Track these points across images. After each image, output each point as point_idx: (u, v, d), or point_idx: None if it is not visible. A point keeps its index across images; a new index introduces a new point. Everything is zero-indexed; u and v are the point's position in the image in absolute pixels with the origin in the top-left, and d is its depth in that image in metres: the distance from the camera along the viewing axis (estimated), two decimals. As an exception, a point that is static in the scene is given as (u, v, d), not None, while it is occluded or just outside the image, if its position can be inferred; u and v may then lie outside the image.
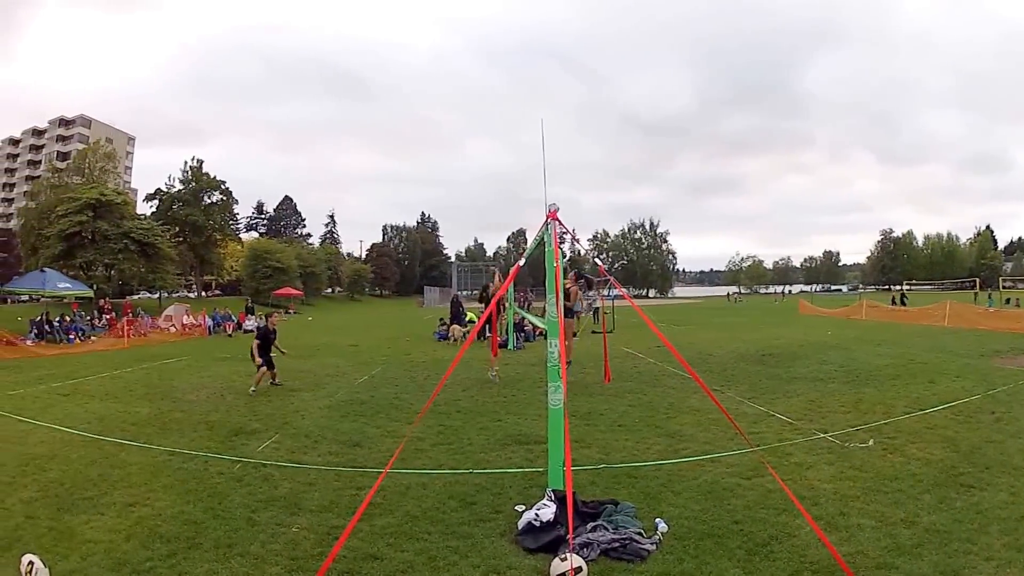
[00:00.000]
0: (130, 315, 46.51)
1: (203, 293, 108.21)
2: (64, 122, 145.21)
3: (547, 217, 9.17)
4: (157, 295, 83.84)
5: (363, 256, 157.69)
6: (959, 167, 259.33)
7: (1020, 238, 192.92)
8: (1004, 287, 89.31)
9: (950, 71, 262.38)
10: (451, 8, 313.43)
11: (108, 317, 47.04)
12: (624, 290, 13.43)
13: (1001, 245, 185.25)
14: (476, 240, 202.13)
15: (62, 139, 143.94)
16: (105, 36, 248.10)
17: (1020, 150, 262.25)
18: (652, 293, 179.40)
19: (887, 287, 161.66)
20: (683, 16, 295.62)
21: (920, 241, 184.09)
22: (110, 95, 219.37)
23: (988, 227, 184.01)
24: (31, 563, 6.82)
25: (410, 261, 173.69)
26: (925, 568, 6.67)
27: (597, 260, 20.57)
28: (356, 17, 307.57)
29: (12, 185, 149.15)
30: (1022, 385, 16.68)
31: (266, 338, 19.79)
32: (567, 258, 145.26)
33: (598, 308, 43.55)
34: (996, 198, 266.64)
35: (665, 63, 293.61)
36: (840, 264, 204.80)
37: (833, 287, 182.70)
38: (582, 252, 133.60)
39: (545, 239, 9.49)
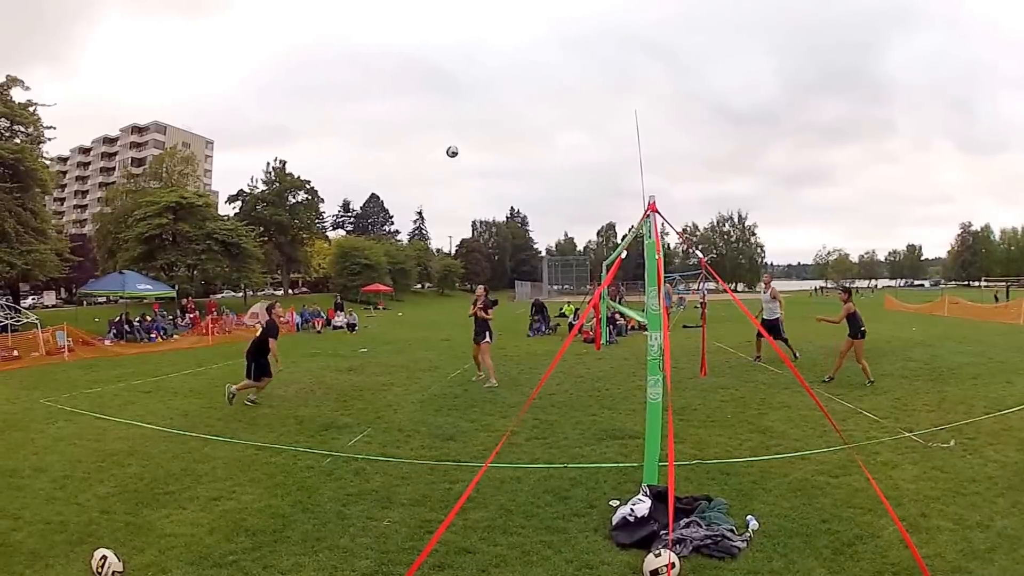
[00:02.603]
0: (214, 313, 46.90)
1: (290, 291, 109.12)
2: (137, 129, 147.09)
3: (647, 209, 9.12)
4: (242, 294, 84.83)
5: (452, 252, 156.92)
6: None
7: None
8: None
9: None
10: None
11: (192, 316, 47.17)
12: (725, 284, 13.43)
13: None
14: (566, 234, 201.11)
15: (136, 146, 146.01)
16: (180, 43, 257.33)
17: None
18: (741, 287, 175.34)
19: (967, 283, 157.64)
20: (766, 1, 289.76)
21: (997, 235, 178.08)
22: (186, 102, 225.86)
23: None
24: (104, 557, 6.78)
25: (500, 256, 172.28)
26: (995, 573, 6.63)
27: (698, 252, 20.17)
28: (440, 10, 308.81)
29: (85, 192, 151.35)
30: (1096, 386, 16.19)
31: (266, 338, 16.90)
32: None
33: (704, 302, 43.49)
34: None
35: (751, 50, 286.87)
36: (923, 258, 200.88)
37: (915, 282, 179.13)
38: (672, 245, 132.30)
39: (644, 232, 9.39)
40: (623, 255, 11.77)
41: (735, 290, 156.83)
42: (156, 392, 18.76)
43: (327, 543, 7.61)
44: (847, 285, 20.02)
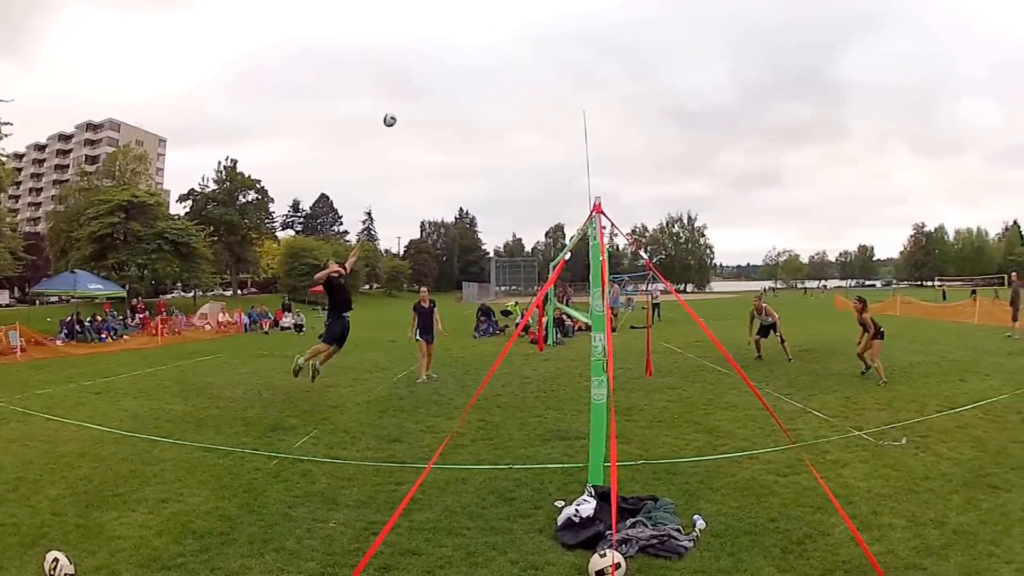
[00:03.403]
0: (164, 314, 47.30)
1: (239, 291, 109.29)
2: (92, 126, 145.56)
3: (592, 211, 9.17)
4: (191, 294, 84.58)
5: (401, 253, 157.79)
6: (993, 159, 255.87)
7: None
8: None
9: (986, 59, 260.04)
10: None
11: (141, 316, 47.26)
12: (671, 285, 13.51)
13: None
14: (514, 235, 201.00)
15: (90, 143, 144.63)
16: (134, 39, 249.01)
17: None
18: (690, 288, 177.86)
19: (919, 283, 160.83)
20: (726, 4, 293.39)
21: (951, 236, 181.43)
22: (140, 100, 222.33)
23: (1015, 222, 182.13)
24: (56, 560, 6.82)
25: (448, 257, 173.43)
26: (951, 570, 6.69)
27: (643, 253, 20.87)
28: (398, 9, 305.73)
29: (39, 190, 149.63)
30: (1051, 384, 16.52)
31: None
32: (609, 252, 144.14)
33: (658, 304, 43.74)
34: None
35: (707, 52, 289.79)
36: (874, 259, 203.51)
37: (867, 282, 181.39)
38: (620, 247, 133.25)
39: (590, 233, 9.44)
40: (567, 257, 11.77)
41: (684, 291, 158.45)
42: (106, 393, 18.85)
43: (273, 545, 7.65)
44: (862, 296, 20.31)
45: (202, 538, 7.83)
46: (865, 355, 19.02)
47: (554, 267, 14.83)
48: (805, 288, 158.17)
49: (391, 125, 15.62)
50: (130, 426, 14.16)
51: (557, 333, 31.53)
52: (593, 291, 9.25)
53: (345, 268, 16.36)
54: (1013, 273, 37.34)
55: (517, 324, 32.27)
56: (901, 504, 8.54)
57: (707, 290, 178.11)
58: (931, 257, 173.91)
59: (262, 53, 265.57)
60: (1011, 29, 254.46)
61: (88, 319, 40.82)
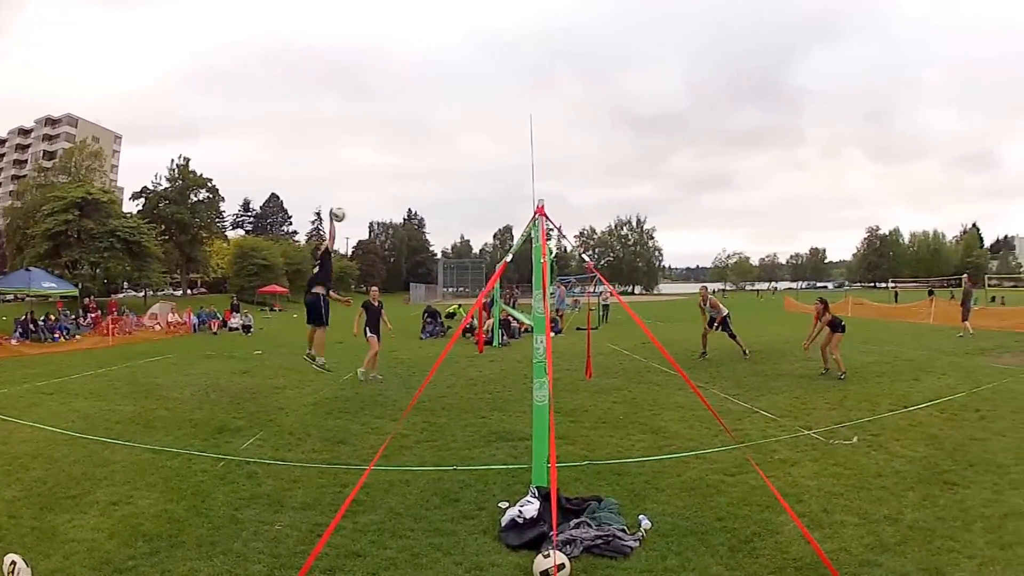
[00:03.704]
0: (115, 313, 46.62)
1: (188, 291, 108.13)
2: (51, 121, 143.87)
3: (535, 213, 9.17)
4: (143, 293, 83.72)
5: (349, 253, 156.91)
6: (950, 165, 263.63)
7: (1007, 236, 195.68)
8: (989, 285, 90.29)
9: (944, 68, 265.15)
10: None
11: (93, 316, 46.86)
12: (612, 287, 13.49)
13: (988, 243, 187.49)
14: (462, 237, 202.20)
15: (48, 138, 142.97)
16: (92, 34, 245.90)
17: (1010, 148, 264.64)
18: (638, 290, 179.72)
19: (873, 284, 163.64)
20: (680, 9, 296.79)
21: (906, 238, 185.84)
22: (98, 95, 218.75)
23: (975, 225, 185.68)
24: (13, 563, 6.72)
25: (396, 258, 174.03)
26: (908, 566, 6.71)
27: (585, 257, 21.02)
28: (352, 8, 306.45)
29: None
30: (1007, 383, 16.79)
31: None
32: (554, 254, 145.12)
33: (607, 305, 43.96)
34: (986, 196, 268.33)
35: (661, 58, 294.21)
36: (826, 261, 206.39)
37: (818, 284, 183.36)
38: (568, 248, 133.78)
39: (532, 235, 9.47)
40: (508, 259, 11.74)
41: (632, 293, 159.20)
42: (58, 394, 18.68)
43: (221, 548, 7.63)
44: (824, 298, 20.68)
45: (152, 541, 7.82)
46: (826, 349, 19.33)
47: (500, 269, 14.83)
48: (758, 290, 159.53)
49: (340, 220, 15.71)
50: (82, 427, 14.04)
51: (503, 335, 31.61)
52: (535, 293, 9.33)
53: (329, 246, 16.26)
54: (965, 275, 38.22)
55: (469, 327, 32.39)
56: (853, 502, 8.59)
57: (655, 292, 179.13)
58: (885, 259, 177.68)
59: (219, 51, 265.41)
60: (973, 37, 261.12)
61: (42, 318, 40.61)
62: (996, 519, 7.85)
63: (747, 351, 23.17)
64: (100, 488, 9.88)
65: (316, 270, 16.16)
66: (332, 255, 16.32)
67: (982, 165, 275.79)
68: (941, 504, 8.39)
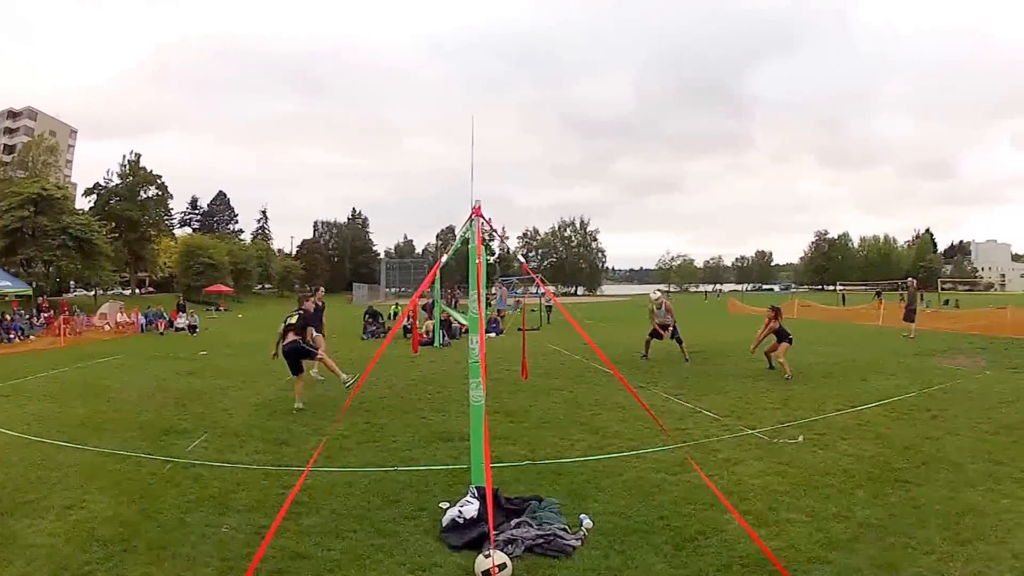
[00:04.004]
0: (67, 313, 46.38)
1: (137, 290, 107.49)
2: (12, 114, 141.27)
3: (471, 213, 9.25)
4: (93, 293, 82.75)
5: (294, 252, 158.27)
6: (905, 172, 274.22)
7: (961, 242, 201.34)
8: (943, 289, 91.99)
9: (901, 76, 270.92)
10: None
11: (47, 315, 46.91)
12: (548, 288, 13.57)
13: (942, 248, 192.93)
14: (406, 236, 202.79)
15: (9, 131, 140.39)
16: (51, 24, 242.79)
17: (967, 156, 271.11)
18: (581, 291, 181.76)
19: (820, 287, 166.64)
20: (633, 15, 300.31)
21: (856, 243, 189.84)
22: (55, 86, 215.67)
23: (928, 230, 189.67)
24: None
25: (340, 257, 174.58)
26: (860, 561, 6.77)
27: (520, 257, 20.91)
28: (306, 7, 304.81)
29: None
30: (960, 383, 17.03)
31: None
32: (496, 255, 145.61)
33: (550, 306, 44.14)
34: (941, 203, 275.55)
35: (615, 63, 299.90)
36: (773, 264, 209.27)
37: (764, 286, 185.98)
38: (510, 250, 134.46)
39: (469, 235, 9.55)
40: (443, 259, 11.80)
41: (575, 294, 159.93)
42: (14, 396, 18.71)
43: (171, 551, 7.63)
44: (776, 305, 21.04)
45: (106, 545, 7.81)
46: (771, 354, 19.69)
47: (441, 269, 14.92)
48: (705, 292, 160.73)
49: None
50: (36, 430, 14.08)
51: (444, 335, 31.81)
52: (470, 293, 9.48)
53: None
54: (910, 279, 39.61)
55: (406, 328, 32.44)
56: (800, 500, 8.66)
57: (598, 293, 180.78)
58: (833, 262, 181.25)
59: (171, 46, 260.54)
60: (931, 47, 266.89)
61: (-1, 318, 40.44)
62: (953, 516, 7.93)
63: (688, 357, 23.21)
64: (55, 492, 9.85)
65: (294, 319, 16.55)
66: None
67: (938, 172, 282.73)
68: (893, 501, 8.47)
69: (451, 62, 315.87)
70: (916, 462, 10.19)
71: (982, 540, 7.23)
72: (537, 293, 49.31)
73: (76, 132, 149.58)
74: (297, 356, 16.35)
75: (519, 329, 32.10)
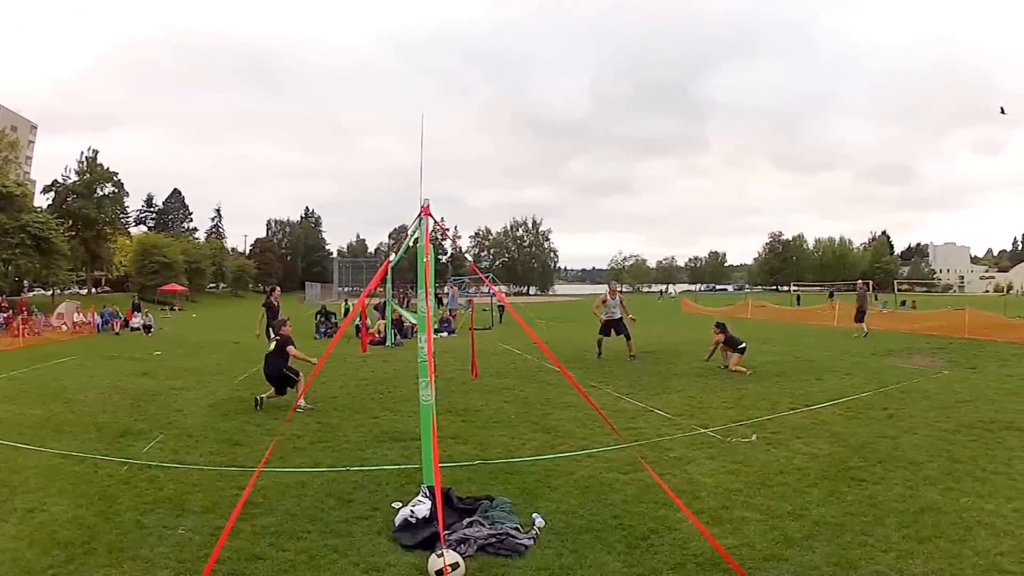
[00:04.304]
0: (25, 314, 46.16)
1: (93, 289, 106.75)
2: None
3: (420, 212, 9.27)
4: (50, 292, 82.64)
5: (247, 251, 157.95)
6: (863, 176, 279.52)
7: (918, 244, 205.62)
8: (899, 290, 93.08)
9: (859, 82, 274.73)
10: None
11: (5, 316, 46.50)
12: (496, 288, 13.59)
13: (900, 250, 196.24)
14: (358, 236, 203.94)
15: None
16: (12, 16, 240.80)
17: (924, 160, 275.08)
18: (533, 291, 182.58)
19: (775, 288, 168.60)
20: (591, 19, 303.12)
21: (811, 244, 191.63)
22: (15, 80, 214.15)
23: (884, 232, 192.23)
24: None
25: (293, 256, 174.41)
26: (817, 559, 6.80)
27: (468, 257, 20.99)
28: (259, 4, 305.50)
29: None
30: (917, 383, 17.18)
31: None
32: (448, 255, 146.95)
33: (503, 306, 44.34)
34: (899, 206, 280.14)
35: (570, 64, 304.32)
36: (726, 265, 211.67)
37: (718, 287, 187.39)
38: (462, 249, 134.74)
39: (417, 234, 9.59)
40: (392, 258, 11.81)
41: (527, 293, 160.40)
42: None
43: (130, 553, 7.60)
44: (721, 321, 21.51)
45: (67, 548, 7.77)
46: (728, 364, 20.06)
47: (392, 268, 14.95)
48: (660, 291, 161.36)
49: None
50: None
51: (396, 334, 31.90)
52: (419, 293, 9.43)
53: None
54: (860, 280, 40.01)
55: (358, 325, 32.47)
56: (754, 498, 8.72)
57: (550, 293, 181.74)
58: (788, 264, 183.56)
59: (129, 42, 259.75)
60: (889, 53, 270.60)
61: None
62: (912, 514, 7.99)
63: (634, 354, 23.39)
64: (17, 495, 9.80)
65: (272, 347, 16.69)
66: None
67: (897, 177, 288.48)
68: (849, 500, 8.52)
69: (405, 60, 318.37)
70: (872, 460, 10.25)
71: (943, 538, 7.28)
72: (488, 293, 49.39)
73: (36, 128, 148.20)
74: (280, 382, 16.36)
75: (471, 328, 32.23)
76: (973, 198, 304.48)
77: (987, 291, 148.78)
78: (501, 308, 44.78)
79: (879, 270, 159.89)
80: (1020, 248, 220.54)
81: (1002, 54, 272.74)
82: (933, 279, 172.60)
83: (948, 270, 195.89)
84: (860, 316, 32.45)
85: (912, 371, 19.40)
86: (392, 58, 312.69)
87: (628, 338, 23.66)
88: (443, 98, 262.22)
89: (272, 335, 18.95)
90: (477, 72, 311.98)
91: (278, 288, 22.12)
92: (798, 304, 67.34)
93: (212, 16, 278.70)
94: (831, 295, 76.18)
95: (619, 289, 25.77)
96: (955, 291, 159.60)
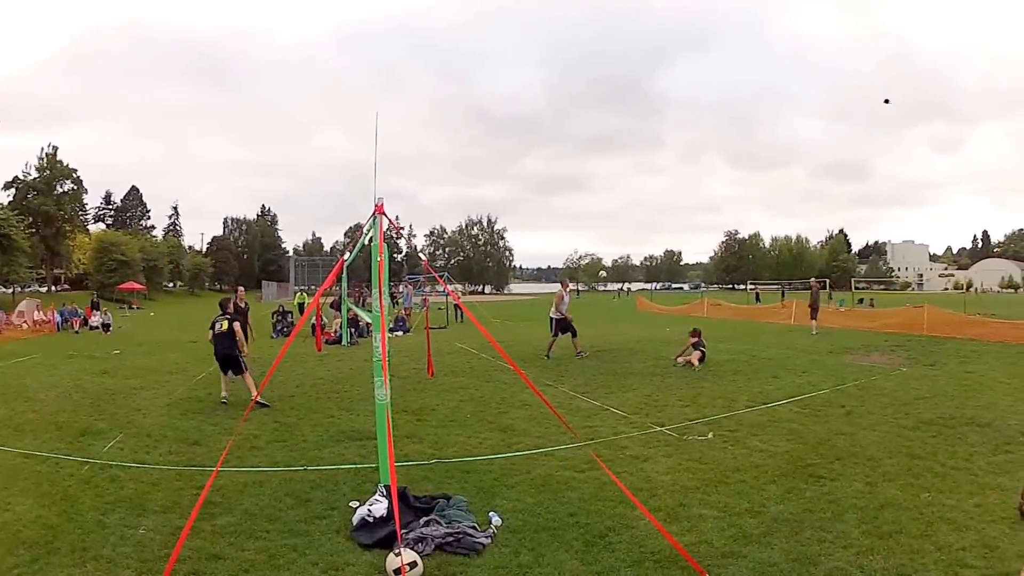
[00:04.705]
0: None
1: (53, 287, 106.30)
2: None
3: (374, 211, 9.32)
4: (11, 290, 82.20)
5: (204, 249, 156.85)
6: (818, 174, 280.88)
7: (876, 242, 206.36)
8: (857, 288, 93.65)
9: (815, 80, 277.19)
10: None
11: None
12: (450, 287, 13.60)
13: (857, 248, 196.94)
14: (314, 234, 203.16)
15: None
16: None
17: (882, 159, 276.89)
18: (488, 289, 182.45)
19: (731, 286, 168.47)
20: (543, 14, 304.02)
21: (767, 243, 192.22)
22: None
23: (841, 230, 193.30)
24: None
25: (249, 255, 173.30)
26: (776, 556, 6.85)
27: (421, 256, 21.06)
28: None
29: None
30: (875, 380, 17.36)
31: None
32: (403, 254, 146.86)
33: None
34: (857, 204, 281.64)
35: (523, 60, 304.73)
36: (682, 263, 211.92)
37: (674, 285, 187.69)
38: (417, 248, 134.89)
39: (372, 233, 9.62)
40: (346, 256, 11.81)
41: (483, 292, 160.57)
42: None
43: (92, 553, 7.64)
44: (698, 328, 21.94)
45: (31, 548, 7.82)
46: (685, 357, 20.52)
47: (348, 267, 15.00)
48: (619, 290, 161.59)
49: None
50: None
51: (352, 333, 31.85)
52: (372, 291, 9.44)
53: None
54: (812, 279, 41.06)
55: (307, 324, 32.44)
56: (711, 496, 8.78)
57: (506, 292, 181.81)
58: (744, 262, 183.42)
59: (84, 35, 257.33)
60: (846, 51, 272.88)
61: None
62: (871, 510, 8.07)
63: (580, 351, 23.66)
64: None
65: (224, 327, 16.81)
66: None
67: (854, 175, 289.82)
68: (808, 496, 8.60)
69: (357, 55, 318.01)
70: (831, 457, 10.35)
71: (903, 533, 7.35)
72: (443, 292, 49.47)
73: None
74: (232, 363, 16.55)
75: (430, 328, 32.24)
76: (931, 196, 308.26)
77: (946, 289, 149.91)
78: (458, 307, 44.88)
79: (836, 268, 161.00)
80: (979, 246, 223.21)
81: (957, 50, 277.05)
82: (891, 277, 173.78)
83: (906, 268, 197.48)
84: (813, 313, 33.05)
85: (870, 369, 19.58)
86: (342, 52, 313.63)
87: (575, 335, 23.99)
88: (395, 93, 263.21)
89: (223, 313, 18.74)
90: (427, 67, 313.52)
91: (241, 288, 22.01)
92: (757, 302, 68.02)
93: (158, 7, 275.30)
94: (782, 295, 76.62)
95: (571, 287, 26.19)
96: (914, 289, 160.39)
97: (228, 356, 16.53)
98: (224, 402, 15.99)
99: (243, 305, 20.78)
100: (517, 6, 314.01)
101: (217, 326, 16.76)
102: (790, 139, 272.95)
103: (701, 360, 20.39)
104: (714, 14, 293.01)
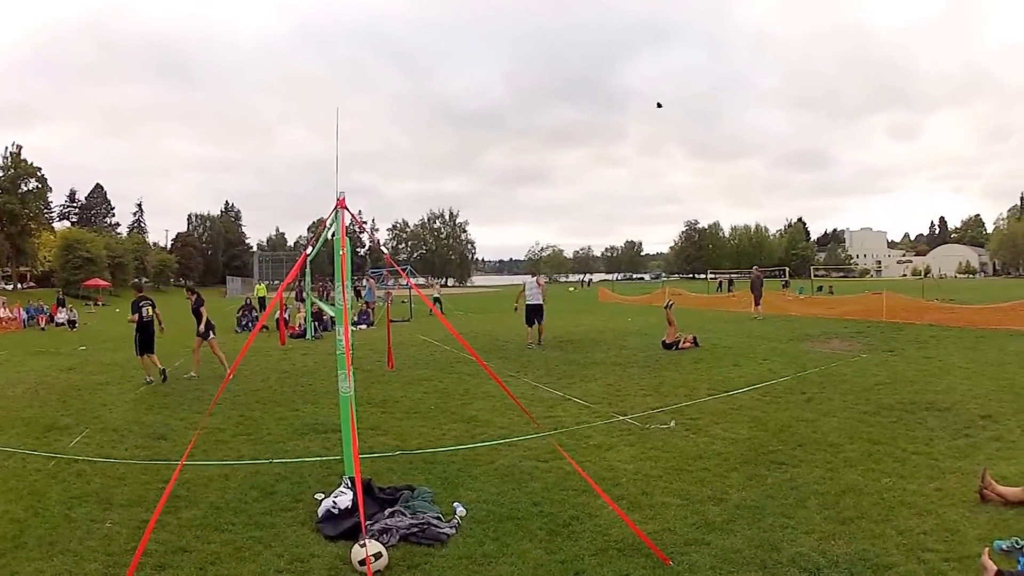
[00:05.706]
0: None
1: (18, 285, 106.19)
2: None
3: (336, 205, 9.38)
4: None
5: (168, 246, 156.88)
6: (777, 164, 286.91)
7: (835, 230, 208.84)
8: (816, 275, 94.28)
9: (775, 71, 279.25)
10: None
11: None
12: (412, 280, 13.60)
13: (816, 236, 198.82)
14: (278, 229, 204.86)
15: None
16: None
17: (840, 148, 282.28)
18: (451, 282, 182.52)
19: (692, 276, 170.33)
20: (505, 9, 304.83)
21: (727, 232, 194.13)
22: None
23: (800, 219, 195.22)
24: None
25: (214, 251, 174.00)
26: (739, 543, 6.85)
27: (384, 248, 21.10)
28: None
29: None
30: (835, 367, 17.50)
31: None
32: (367, 248, 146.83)
33: (438, 298, 44.48)
34: (815, 193, 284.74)
35: (485, 56, 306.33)
36: (643, 253, 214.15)
37: (635, 275, 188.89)
38: (380, 242, 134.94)
39: (334, 228, 9.67)
40: (309, 251, 11.84)
41: (445, 285, 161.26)
42: None
43: (59, 547, 7.61)
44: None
45: None
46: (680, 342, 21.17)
47: (311, 261, 15.06)
48: (581, 282, 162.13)
49: None
50: None
51: (316, 327, 32.09)
52: (336, 285, 9.46)
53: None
54: (754, 267, 42.21)
55: (271, 318, 32.43)
56: (674, 484, 8.81)
57: (468, 284, 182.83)
58: (704, 251, 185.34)
59: (46, 32, 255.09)
60: (804, 42, 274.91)
61: None
62: (832, 496, 8.11)
63: (541, 342, 24.11)
64: None
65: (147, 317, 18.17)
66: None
67: (812, 164, 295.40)
68: (769, 483, 8.65)
69: (321, 52, 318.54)
70: (792, 444, 10.42)
71: (865, 519, 7.39)
72: (405, 285, 49.51)
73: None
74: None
75: (391, 321, 32.29)
76: (889, 183, 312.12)
77: (905, 275, 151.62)
78: (438, 300, 45.80)
79: (795, 256, 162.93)
80: (937, 232, 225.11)
81: (913, 33, 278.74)
82: (850, 264, 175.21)
83: (865, 255, 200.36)
84: (756, 300, 34.19)
85: (830, 355, 19.75)
86: (306, 50, 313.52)
87: (540, 322, 24.37)
88: (358, 90, 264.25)
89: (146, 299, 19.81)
90: (391, 64, 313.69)
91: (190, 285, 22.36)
92: (729, 290, 67.85)
93: (125, 5, 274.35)
94: (730, 284, 77.02)
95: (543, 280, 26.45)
96: (872, 276, 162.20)
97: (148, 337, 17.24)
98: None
99: (190, 298, 21.17)
100: (479, 1, 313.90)
101: (144, 312, 17.52)
102: (749, 130, 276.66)
103: (695, 342, 21.21)
104: (674, 7, 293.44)
